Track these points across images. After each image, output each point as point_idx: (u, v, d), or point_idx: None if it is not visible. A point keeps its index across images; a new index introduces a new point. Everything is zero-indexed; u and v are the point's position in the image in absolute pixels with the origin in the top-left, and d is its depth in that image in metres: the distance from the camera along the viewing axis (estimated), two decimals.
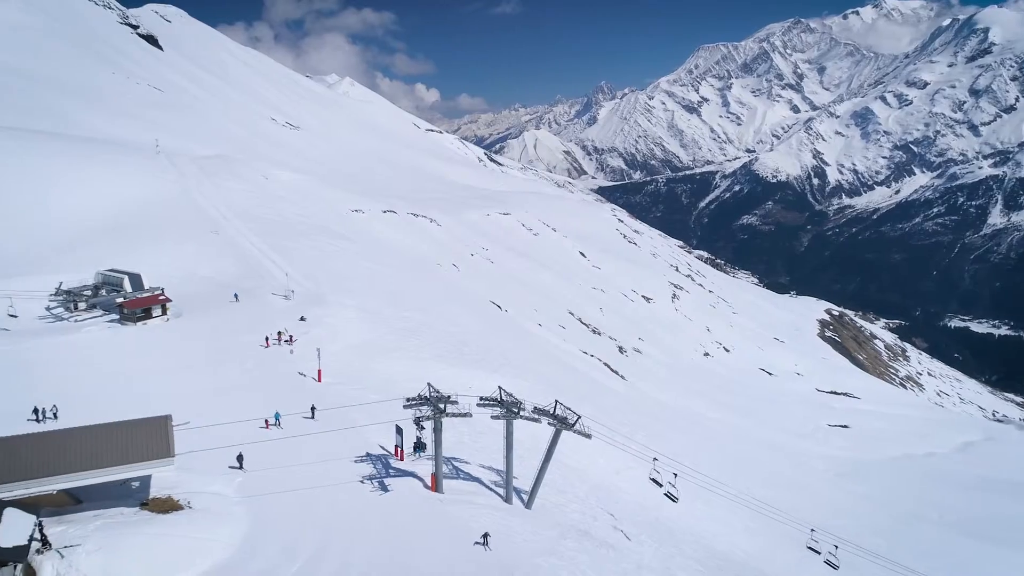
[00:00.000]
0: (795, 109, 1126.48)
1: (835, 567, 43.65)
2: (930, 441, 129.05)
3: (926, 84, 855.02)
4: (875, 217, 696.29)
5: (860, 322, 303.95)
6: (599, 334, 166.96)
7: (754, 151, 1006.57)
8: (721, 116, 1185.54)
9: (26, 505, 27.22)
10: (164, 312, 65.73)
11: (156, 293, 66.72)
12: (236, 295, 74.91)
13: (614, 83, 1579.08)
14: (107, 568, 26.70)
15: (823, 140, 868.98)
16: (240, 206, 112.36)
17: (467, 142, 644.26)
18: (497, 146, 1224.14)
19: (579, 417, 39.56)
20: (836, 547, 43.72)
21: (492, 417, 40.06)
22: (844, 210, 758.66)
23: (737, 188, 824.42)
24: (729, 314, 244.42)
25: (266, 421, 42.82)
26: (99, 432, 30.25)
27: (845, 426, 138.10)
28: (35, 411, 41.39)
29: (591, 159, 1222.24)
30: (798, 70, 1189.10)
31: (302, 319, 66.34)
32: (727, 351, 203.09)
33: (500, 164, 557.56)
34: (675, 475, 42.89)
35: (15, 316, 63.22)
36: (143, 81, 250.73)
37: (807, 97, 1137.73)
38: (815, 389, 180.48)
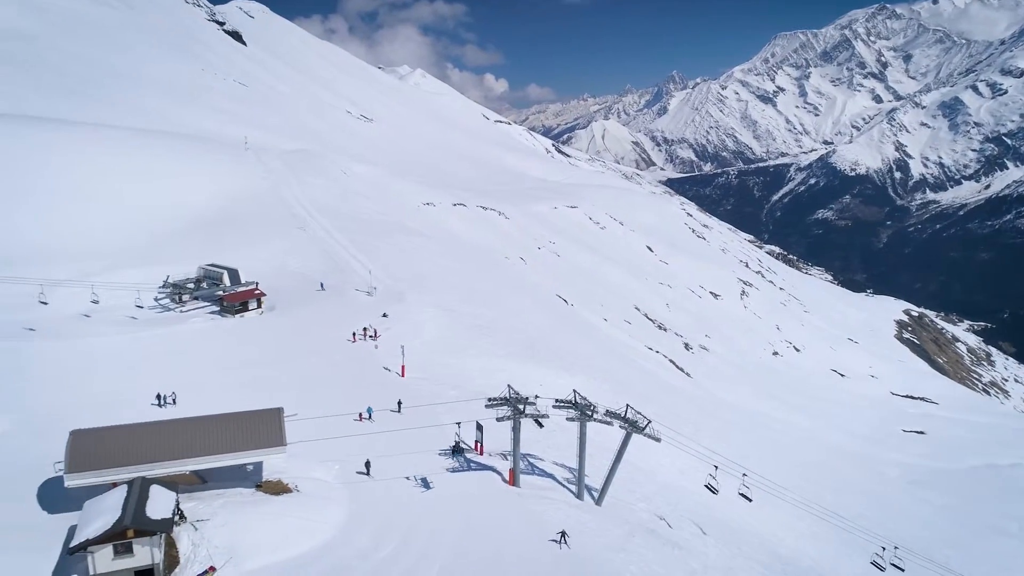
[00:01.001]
0: (877, 99, 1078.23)
1: (881, 568, 43.86)
2: (1016, 451, 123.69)
3: (1023, 72, 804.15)
4: (962, 213, 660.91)
5: (941, 324, 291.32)
6: (665, 330, 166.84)
7: (832, 143, 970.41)
8: (798, 106, 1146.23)
9: (165, 483, 31.34)
10: (259, 305, 70.96)
11: (252, 287, 71.98)
12: (322, 284, 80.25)
13: (686, 73, 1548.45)
14: (233, 541, 30.58)
15: (907, 132, 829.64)
16: (323, 202, 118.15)
17: (535, 133, 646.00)
18: (565, 136, 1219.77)
19: (649, 422, 41.48)
20: (884, 548, 44.01)
21: (567, 419, 42.37)
22: (928, 205, 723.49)
23: (813, 181, 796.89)
24: (800, 312, 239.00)
25: (360, 414, 46.67)
26: (225, 421, 34.34)
27: (921, 432, 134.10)
28: (158, 397, 46.34)
29: (660, 150, 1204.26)
30: (882, 58, 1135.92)
31: (384, 315, 70.40)
32: (797, 351, 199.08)
33: (568, 155, 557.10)
34: (716, 467, 43.96)
35: (141, 307, 69.87)
36: (229, 77, 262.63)
37: (891, 86, 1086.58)
38: (890, 393, 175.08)
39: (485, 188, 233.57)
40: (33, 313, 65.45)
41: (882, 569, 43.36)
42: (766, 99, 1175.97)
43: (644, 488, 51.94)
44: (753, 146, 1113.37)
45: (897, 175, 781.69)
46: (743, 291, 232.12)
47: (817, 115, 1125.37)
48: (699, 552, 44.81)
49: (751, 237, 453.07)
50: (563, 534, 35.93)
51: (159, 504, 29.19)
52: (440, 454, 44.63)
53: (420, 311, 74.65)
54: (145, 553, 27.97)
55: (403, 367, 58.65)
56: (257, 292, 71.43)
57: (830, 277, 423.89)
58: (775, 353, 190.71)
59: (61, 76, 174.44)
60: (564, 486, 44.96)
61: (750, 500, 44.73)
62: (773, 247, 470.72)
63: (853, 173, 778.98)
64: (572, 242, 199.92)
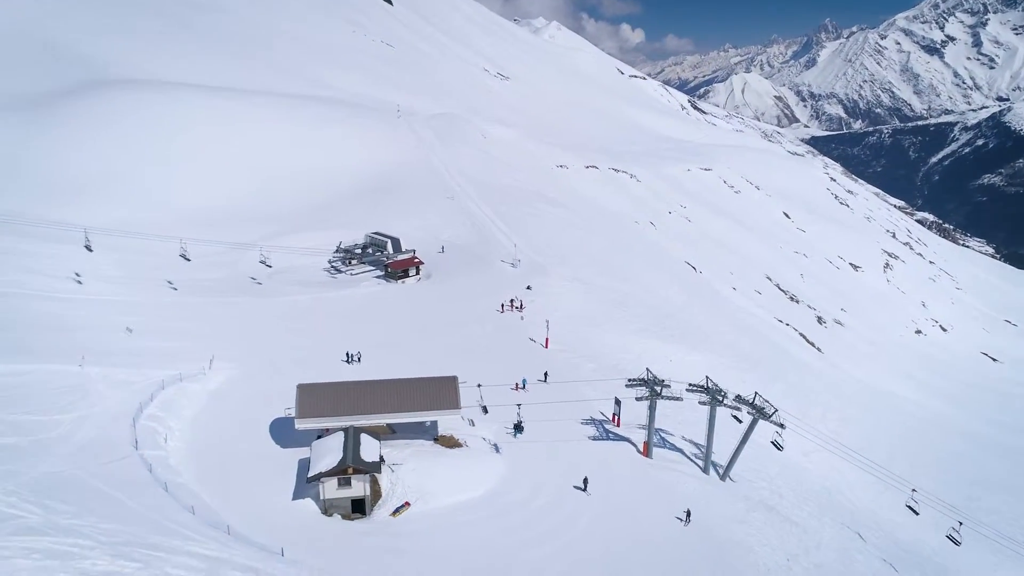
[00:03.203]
0: None
1: (957, 543, 44.98)
2: None
3: None
4: None
5: None
6: (797, 302, 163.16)
7: (1007, 99, 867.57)
8: (969, 58, 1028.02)
9: (369, 432, 39.26)
10: (418, 273, 79.44)
11: (411, 256, 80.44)
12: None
13: (840, 21, 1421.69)
14: (420, 483, 38.21)
15: None
16: (469, 171, 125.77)
17: (670, 87, 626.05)
18: (702, 90, 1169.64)
19: (776, 410, 45.08)
20: (960, 523, 45.15)
21: (700, 403, 46.80)
22: None
23: (980, 142, 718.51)
24: (951, 289, 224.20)
25: (516, 384, 53.45)
26: (413, 384, 42.09)
27: None
28: (347, 355, 55.20)
29: (805, 105, 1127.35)
30: None
31: (528, 288, 76.56)
32: (944, 330, 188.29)
33: (703, 112, 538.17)
34: (783, 426, 45.42)
35: (340, 271, 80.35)
36: (376, 37, 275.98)
37: None
38: None
39: (617, 148, 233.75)
40: (229, 270, 77.62)
41: (957, 544, 44.81)
42: (932, 50, 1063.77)
43: (767, 467, 55.35)
44: (912, 102, 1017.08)
45: None
46: (887, 263, 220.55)
47: (992, 68, 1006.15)
48: (815, 531, 48.26)
49: (902, 203, 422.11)
50: (688, 513, 40.73)
51: (369, 449, 37.10)
52: (582, 423, 50.69)
53: (560, 284, 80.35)
54: (359, 487, 35.99)
55: (547, 339, 64.76)
56: (416, 260, 79.86)
57: (991, 250, 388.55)
58: (918, 332, 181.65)
59: (239, 43, 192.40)
60: (692, 460, 49.69)
61: (917, 514, 46.39)
62: (926, 215, 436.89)
63: None
64: (704, 206, 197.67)
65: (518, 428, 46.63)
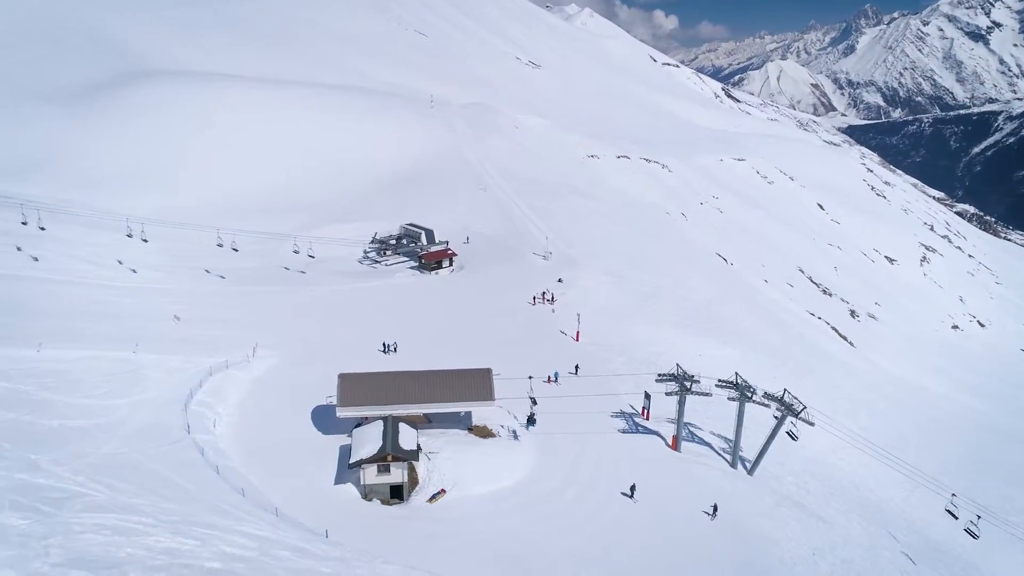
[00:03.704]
0: None
1: (975, 536, 44.75)
2: None
3: None
4: None
5: None
6: (830, 295, 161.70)
7: None
8: (1016, 45, 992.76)
9: (407, 421, 40.78)
10: (451, 264, 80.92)
11: (445, 247, 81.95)
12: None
13: (880, 6, 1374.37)
14: (456, 471, 39.65)
15: None
16: (500, 162, 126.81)
17: (703, 74, 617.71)
18: (736, 77, 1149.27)
19: (804, 407, 45.54)
20: (979, 516, 45.02)
21: (728, 399, 47.48)
22: None
23: None
24: (991, 283, 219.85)
25: (548, 377, 54.62)
26: (449, 375, 43.57)
27: None
28: (384, 345, 56.84)
29: (843, 94, 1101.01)
30: None
31: (559, 280, 77.56)
32: (982, 326, 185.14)
33: (737, 100, 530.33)
34: (797, 415, 45.15)
35: (376, 261, 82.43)
36: (409, 27, 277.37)
37: None
38: None
39: (649, 138, 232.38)
40: (268, 260, 79.85)
41: (975, 537, 44.66)
42: (977, 36, 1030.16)
43: (794, 463, 55.77)
44: (955, 90, 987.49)
45: None
46: (924, 257, 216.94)
47: None
48: (842, 527, 48.67)
49: (941, 195, 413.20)
50: (715, 507, 41.59)
51: (407, 438, 38.67)
52: (612, 416, 51.69)
53: (591, 277, 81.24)
54: (398, 474, 37.58)
55: (578, 332, 65.74)
56: (450, 252, 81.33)
57: None
58: (955, 327, 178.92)
59: (273, 33, 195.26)
60: (720, 455, 50.45)
61: (956, 518, 46.51)
62: (967, 207, 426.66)
63: None
64: (736, 197, 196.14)
65: (530, 421, 47.62)
